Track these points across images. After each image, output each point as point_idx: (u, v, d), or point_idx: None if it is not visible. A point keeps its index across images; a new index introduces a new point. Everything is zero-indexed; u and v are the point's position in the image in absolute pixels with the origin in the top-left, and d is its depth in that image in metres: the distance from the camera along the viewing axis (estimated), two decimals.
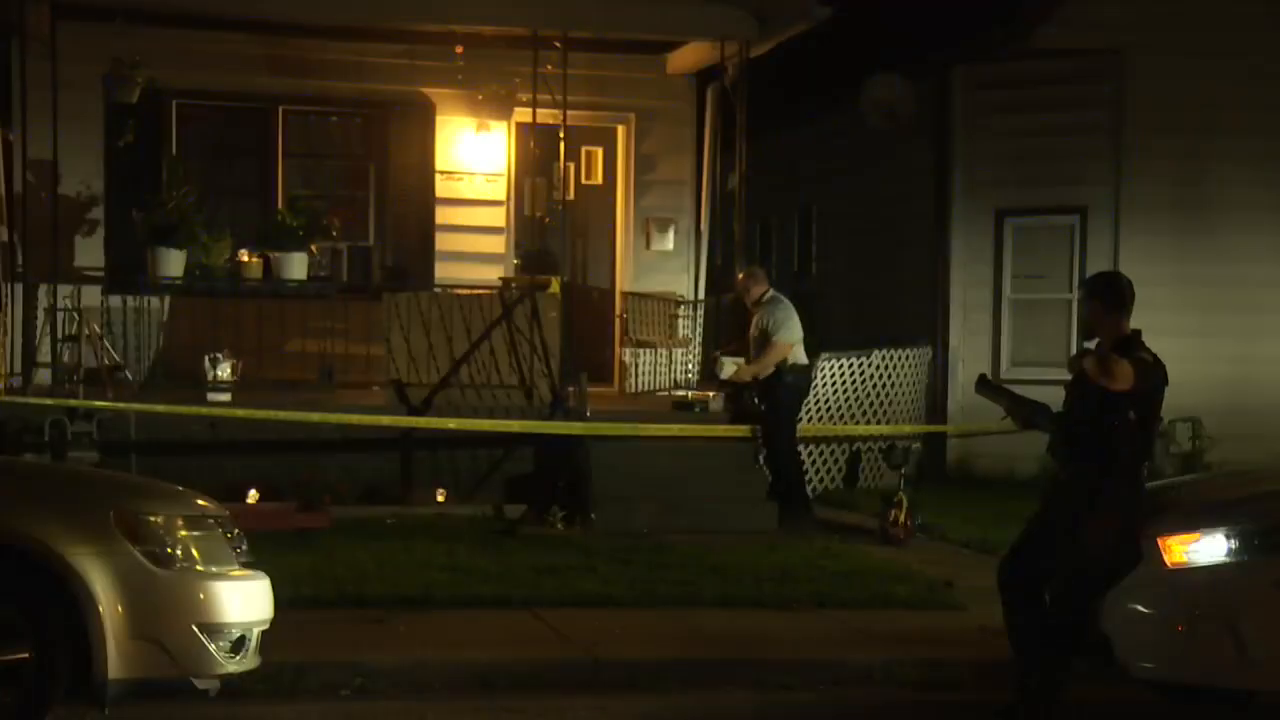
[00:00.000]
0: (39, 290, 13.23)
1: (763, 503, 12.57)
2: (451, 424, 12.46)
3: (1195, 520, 7.27)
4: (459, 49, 14.37)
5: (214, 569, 6.55)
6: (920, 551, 11.62)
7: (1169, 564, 7.16)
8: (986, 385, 7.80)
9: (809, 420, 13.92)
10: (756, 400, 12.71)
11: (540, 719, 7.39)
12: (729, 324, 14.08)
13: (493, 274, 14.49)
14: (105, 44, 13.16)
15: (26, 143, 13.31)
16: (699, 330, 15.14)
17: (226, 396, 12.70)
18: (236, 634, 6.57)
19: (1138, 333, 7.26)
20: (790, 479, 12.44)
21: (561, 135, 13.86)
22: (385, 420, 12.48)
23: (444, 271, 14.53)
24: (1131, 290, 7.30)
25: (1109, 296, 7.27)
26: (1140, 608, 7.16)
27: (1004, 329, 15.90)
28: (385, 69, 14.58)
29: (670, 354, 14.82)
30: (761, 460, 12.85)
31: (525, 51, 13.66)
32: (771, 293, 12.50)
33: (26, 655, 6.20)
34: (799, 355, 12.44)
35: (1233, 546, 7.09)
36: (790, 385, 12.41)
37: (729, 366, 12.52)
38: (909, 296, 16.80)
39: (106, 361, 12.91)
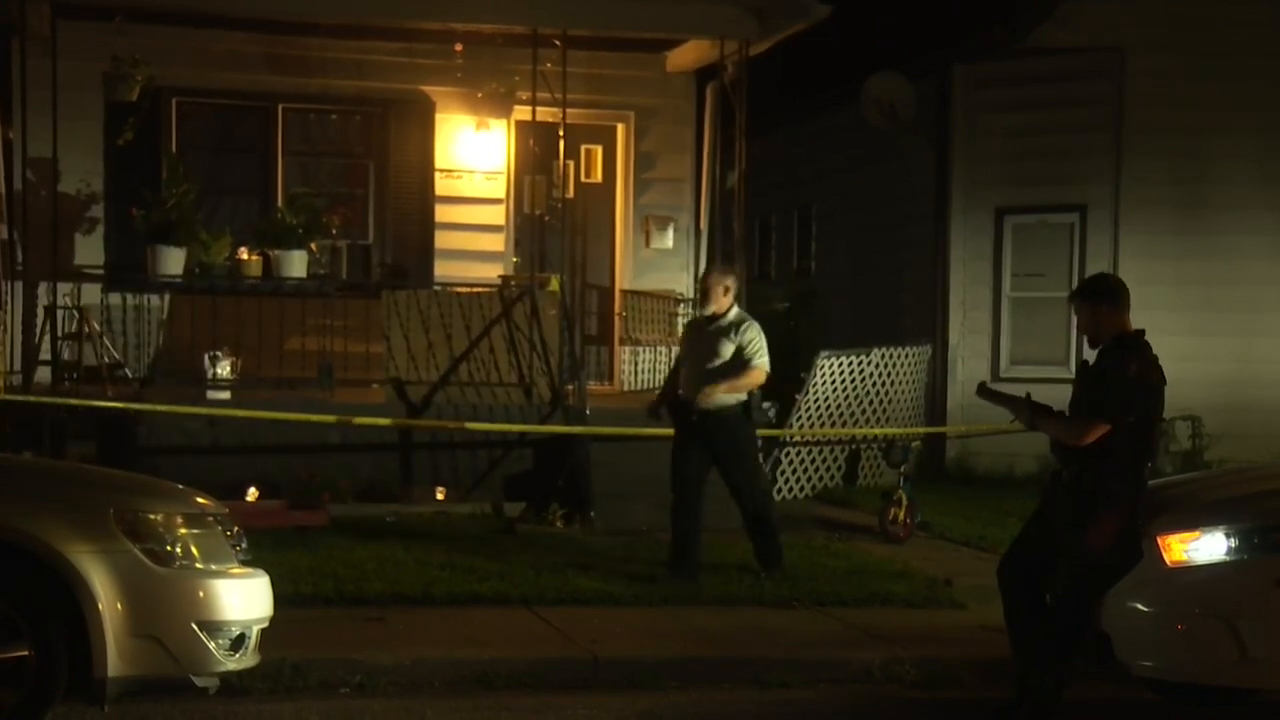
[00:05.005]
0: (39, 288, 13.22)
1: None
2: (451, 426, 12.45)
3: (1195, 519, 7.27)
4: (459, 47, 14.37)
5: (214, 567, 6.55)
6: (920, 549, 11.63)
7: (1169, 562, 7.17)
8: (987, 392, 7.78)
9: (808, 421, 13.92)
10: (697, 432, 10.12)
11: (539, 717, 7.39)
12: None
13: (492, 272, 14.50)
14: (105, 42, 13.15)
15: (26, 140, 13.28)
16: None
17: (226, 394, 12.70)
18: (236, 632, 6.58)
19: (1141, 331, 7.27)
20: (770, 517, 10.32)
21: (561, 133, 13.86)
22: (385, 422, 12.46)
23: (443, 269, 14.52)
24: (1125, 287, 7.35)
25: (1116, 296, 7.29)
26: (1140, 606, 7.16)
27: (1004, 327, 15.90)
28: (385, 67, 14.57)
29: (670, 352, 14.81)
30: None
31: (525, 49, 13.66)
32: (739, 308, 10.29)
33: (27, 653, 6.21)
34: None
35: (1233, 545, 7.08)
36: (756, 424, 10.38)
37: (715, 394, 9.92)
38: (909, 295, 16.80)
39: (106, 359, 12.91)
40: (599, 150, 15.46)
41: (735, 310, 10.13)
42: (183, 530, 6.49)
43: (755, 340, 9.97)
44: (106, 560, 6.25)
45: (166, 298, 13.66)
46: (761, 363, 9.97)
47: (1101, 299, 7.29)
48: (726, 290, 10.06)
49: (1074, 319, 14.52)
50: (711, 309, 10.07)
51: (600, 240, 15.65)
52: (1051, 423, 7.24)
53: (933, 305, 16.06)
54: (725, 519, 12.06)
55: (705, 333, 10.11)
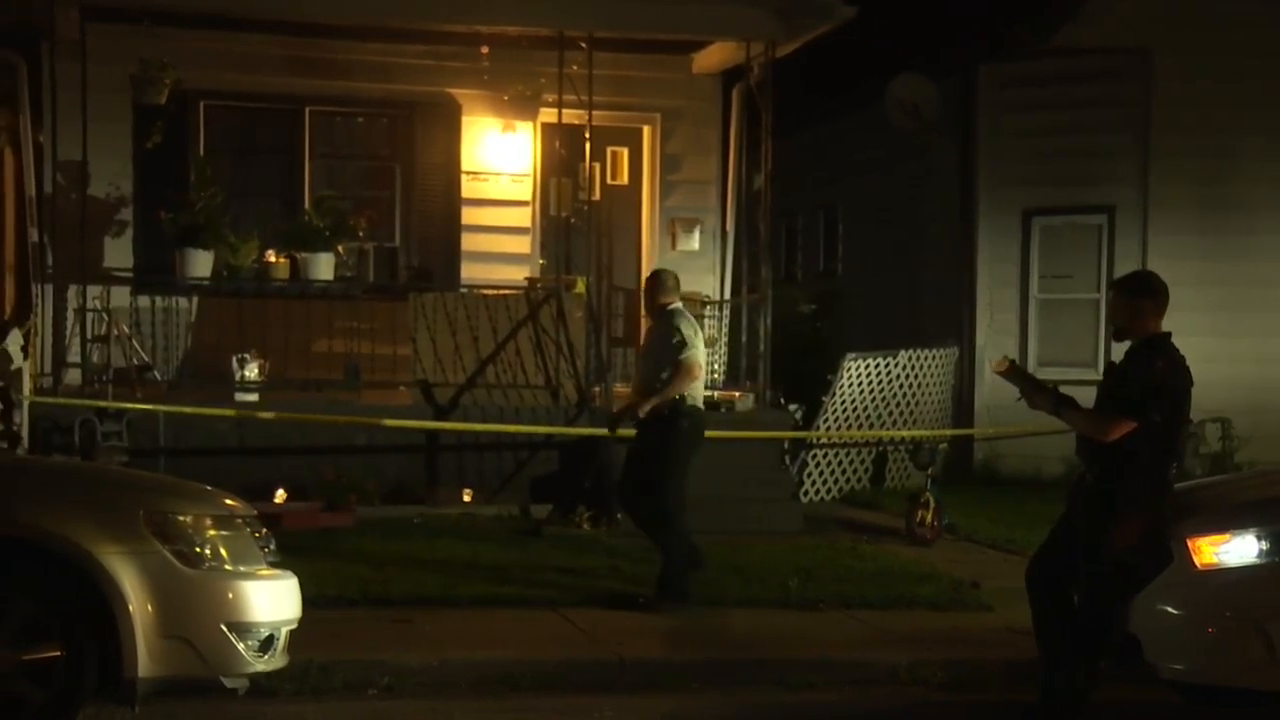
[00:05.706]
0: (68, 291, 13.29)
1: (788, 503, 12.56)
2: (478, 429, 12.47)
3: (1225, 521, 7.24)
4: (485, 49, 14.39)
5: (242, 568, 6.58)
6: (947, 551, 11.61)
7: (1199, 565, 7.14)
8: (1013, 369, 7.53)
9: (835, 423, 13.91)
10: (639, 436, 9.77)
11: (565, 718, 7.40)
12: (754, 325, 14.06)
13: (518, 274, 14.51)
14: (133, 46, 13.20)
15: (56, 144, 13.36)
16: (724, 331, 15.12)
17: (254, 396, 12.74)
18: (265, 633, 6.60)
19: (1168, 334, 7.24)
20: (677, 547, 9.45)
21: (587, 135, 13.85)
22: (413, 424, 12.49)
23: (470, 272, 14.54)
24: (1168, 290, 7.32)
25: (1159, 297, 7.24)
26: (1170, 609, 7.14)
27: (1031, 329, 15.86)
28: (411, 69, 14.60)
29: None
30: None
31: (551, 52, 13.67)
32: (677, 304, 9.71)
33: (57, 653, 6.24)
34: (698, 392, 9.59)
35: (1263, 548, 7.06)
36: (691, 427, 9.49)
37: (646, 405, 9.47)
38: (935, 296, 16.77)
39: (135, 362, 12.97)
40: (625, 152, 15.44)
41: (669, 308, 9.63)
42: (212, 531, 6.52)
43: (675, 336, 9.36)
44: (136, 561, 6.28)
45: (195, 300, 13.72)
46: (685, 357, 9.29)
47: (1146, 295, 7.26)
48: (653, 294, 9.67)
49: (1102, 322, 14.67)
50: (647, 311, 9.92)
51: (626, 242, 15.65)
52: (1077, 415, 7.20)
53: (959, 307, 16.03)
54: (751, 521, 12.11)
55: (648, 333, 10.05)
